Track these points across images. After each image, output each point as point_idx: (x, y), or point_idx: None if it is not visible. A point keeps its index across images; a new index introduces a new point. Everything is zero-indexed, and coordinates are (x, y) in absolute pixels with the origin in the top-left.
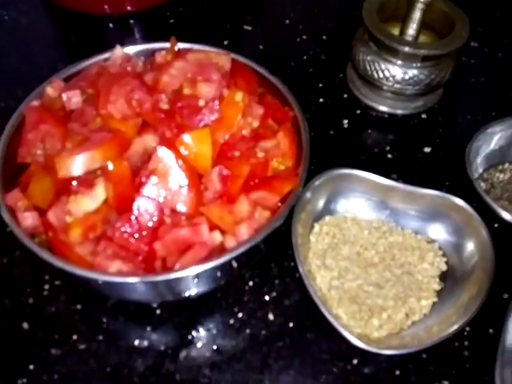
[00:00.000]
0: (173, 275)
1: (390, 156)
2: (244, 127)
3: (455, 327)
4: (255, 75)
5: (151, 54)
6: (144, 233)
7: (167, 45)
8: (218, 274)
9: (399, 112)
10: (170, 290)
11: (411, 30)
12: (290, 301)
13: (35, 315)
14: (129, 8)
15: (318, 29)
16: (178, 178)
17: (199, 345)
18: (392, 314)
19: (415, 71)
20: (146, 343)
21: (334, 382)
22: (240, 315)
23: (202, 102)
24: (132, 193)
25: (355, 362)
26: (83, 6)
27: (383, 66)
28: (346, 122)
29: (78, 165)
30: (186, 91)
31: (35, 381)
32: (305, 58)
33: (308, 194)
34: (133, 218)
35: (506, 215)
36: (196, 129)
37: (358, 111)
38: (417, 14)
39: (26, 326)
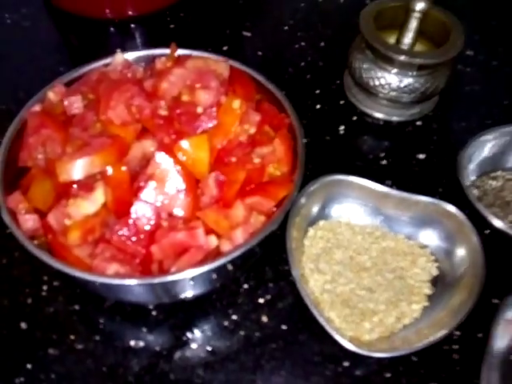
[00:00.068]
0: (169, 278)
1: (384, 162)
2: (241, 134)
3: (445, 331)
4: (253, 82)
5: (151, 59)
6: (141, 236)
7: (167, 51)
8: (214, 276)
9: (395, 119)
10: (167, 292)
11: (407, 38)
12: (284, 304)
13: (33, 315)
14: (130, 13)
15: (316, 36)
16: (176, 183)
17: (194, 346)
18: (383, 318)
19: (411, 79)
20: (141, 344)
21: None
22: (234, 317)
23: (200, 109)
24: (130, 197)
25: (346, 364)
26: (85, 9)
27: (379, 74)
28: (342, 128)
29: (78, 169)
30: (185, 98)
31: (33, 380)
32: (303, 64)
33: (303, 200)
34: (131, 221)
35: (496, 222)
36: (194, 135)
37: (354, 118)
38: (413, 23)
39: (24, 325)
